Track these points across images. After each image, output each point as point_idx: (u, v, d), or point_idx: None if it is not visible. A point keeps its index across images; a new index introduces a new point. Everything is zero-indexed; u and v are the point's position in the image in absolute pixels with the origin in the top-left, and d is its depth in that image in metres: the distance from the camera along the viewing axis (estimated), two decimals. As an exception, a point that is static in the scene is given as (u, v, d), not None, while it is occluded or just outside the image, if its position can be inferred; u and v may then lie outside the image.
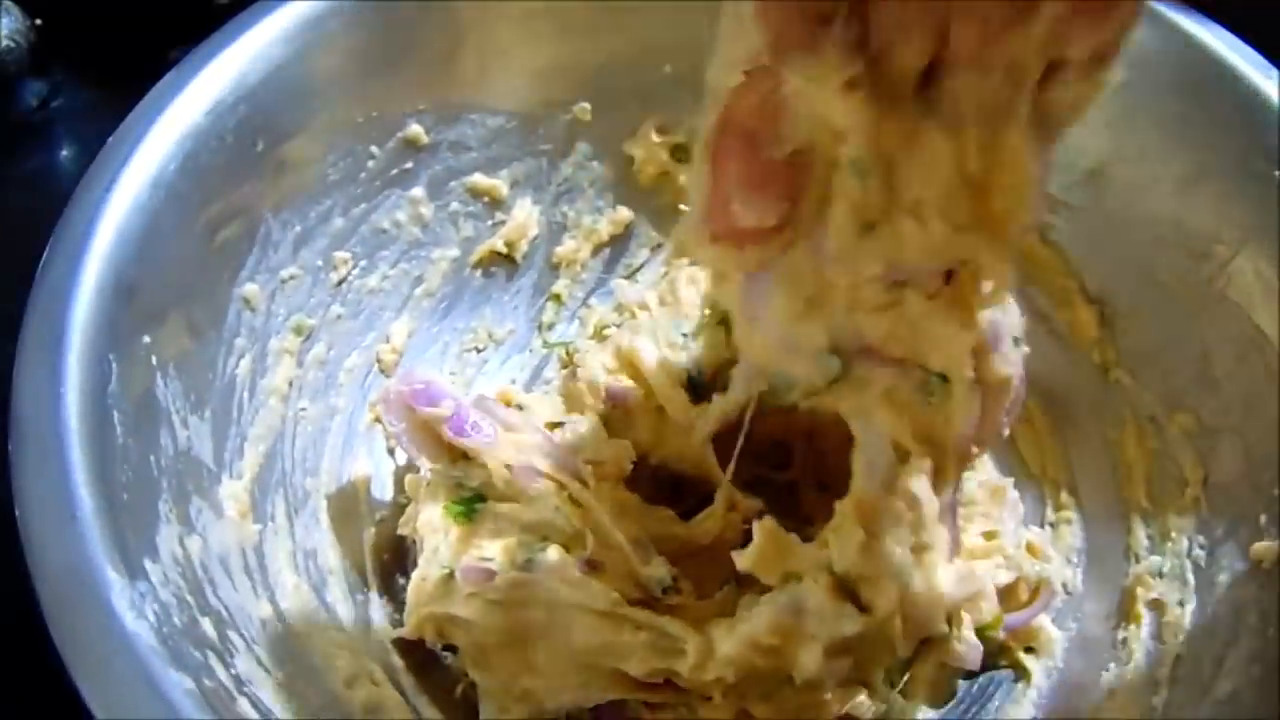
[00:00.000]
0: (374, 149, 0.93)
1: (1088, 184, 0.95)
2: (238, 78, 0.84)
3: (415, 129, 0.95)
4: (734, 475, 0.87)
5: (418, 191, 0.97)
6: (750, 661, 0.76)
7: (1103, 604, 0.90)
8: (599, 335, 1.00)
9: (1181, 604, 0.84)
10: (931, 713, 0.88)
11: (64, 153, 1.22)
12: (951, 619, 0.80)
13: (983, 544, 0.87)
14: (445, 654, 0.84)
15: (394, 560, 0.90)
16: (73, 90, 1.25)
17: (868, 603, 0.75)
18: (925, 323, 0.67)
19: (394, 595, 0.88)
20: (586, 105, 1.03)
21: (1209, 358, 0.87)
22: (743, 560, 0.78)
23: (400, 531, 0.87)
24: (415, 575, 0.82)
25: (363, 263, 0.94)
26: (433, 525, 0.83)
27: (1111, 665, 0.85)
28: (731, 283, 0.70)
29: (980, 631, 0.83)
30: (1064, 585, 0.92)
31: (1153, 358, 0.92)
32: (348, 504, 0.90)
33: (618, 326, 0.97)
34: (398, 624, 0.85)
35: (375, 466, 0.93)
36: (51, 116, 1.23)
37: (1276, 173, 0.83)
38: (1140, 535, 0.90)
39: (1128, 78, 0.90)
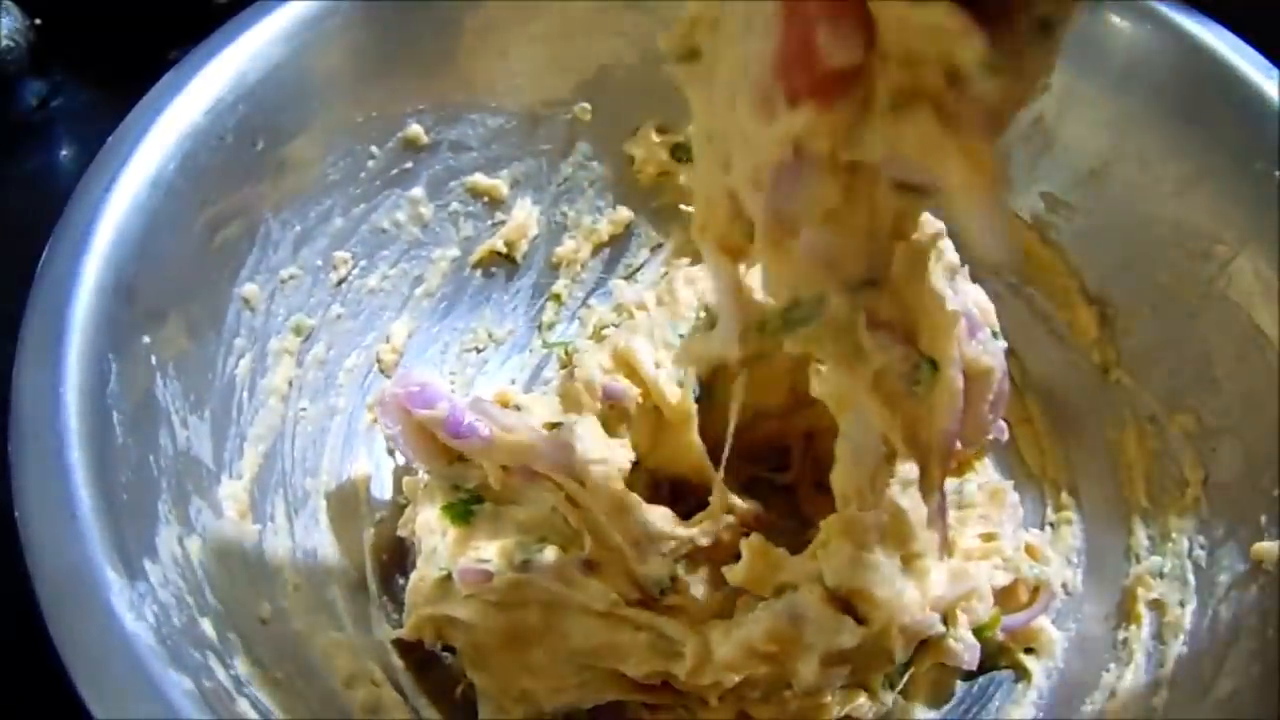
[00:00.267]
0: (374, 149, 0.93)
1: (1088, 184, 0.95)
2: (237, 77, 0.83)
3: (415, 129, 0.95)
4: (733, 477, 0.87)
5: (418, 191, 0.97)
6: (747, 666, 0.76)
7: (1103, 604, 0.90)
8: (599, 335, 1.00)
9: (1182, 604, 0.84)
10: (932, 713, 0.88)
11: (64, 152, 1.22)
12: (948, 618, 0.80)
13: (980, 545, 0.87)
14: (445, 654, 0.84)
15: (393, 560, 0.90)
16: (72, 90, 1.25)
17: (863, 615, 0.76)
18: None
19: (394, 595, 0.88)
20: (587, 105, 1.03)
21: (1209, 358, 0.87)
22: (733, 576, 0.78)
23: (399, 533, 0.87)
24: (414, 577, 0.82)
25: (363, 263, 0.94)
26: (430, 527, 0.83)
27: (1112, 666, 0.85)
28: (755, 195, 0.61)
29: (979, 632, 0.83)
30: (1064, 586, 0.92)
31: (1153, 358, 0.92)
32: (347, 504, 0.90)
33: (616, 327, 0.97)
34: (397, 624, 0.85)
35: (375, 466, 0.93)
36: (51, 116, 1.23)
37: (1277, 173, 0.83)
38: (1141, 536, 0.90)
39: (1128, 78, 0.91)
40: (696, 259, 1.03)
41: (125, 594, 0.62)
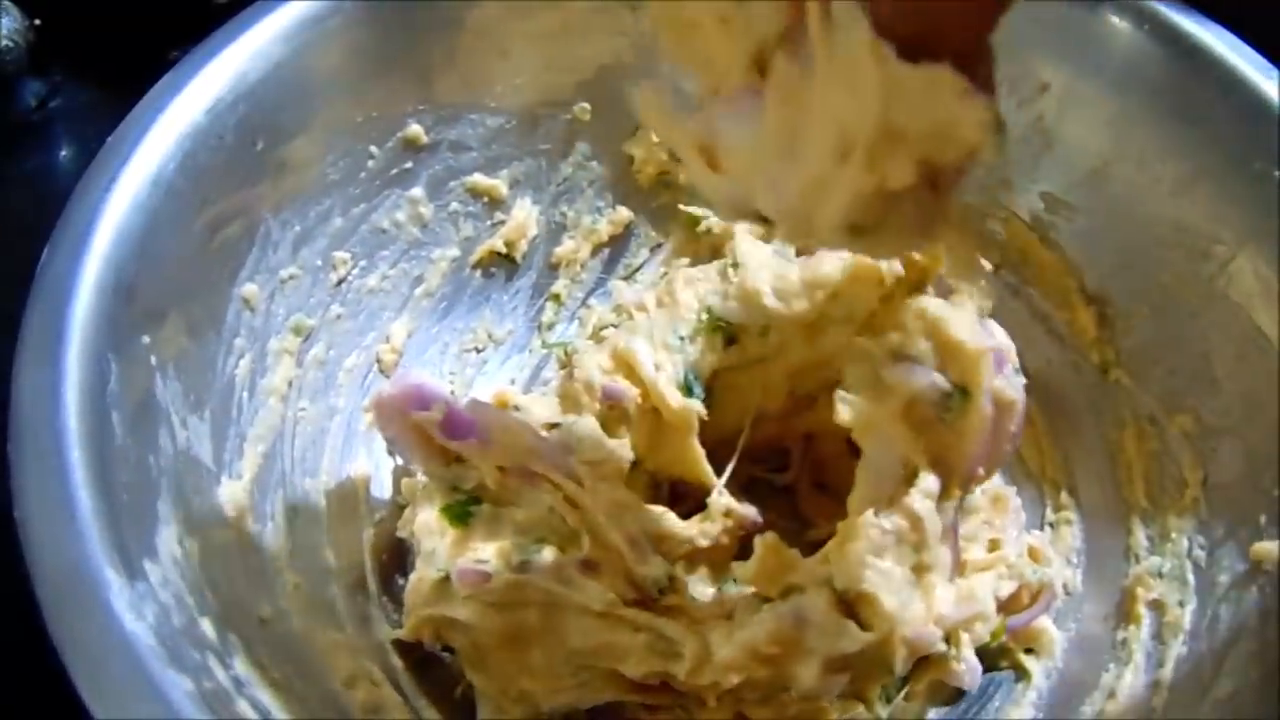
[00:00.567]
0: (373, 149, 0.93)
1: (1088, 184, 0.95)
2: (237, 77, 0.83)
3: (415, 129, 0.95)
4: (732, 478, 0.88)
5: (417, 191, 0.97)
6: (747, 668, 0.76)
7: (1103, 604, 0.90)
8: (598, 336, 1.00)
9: (1181, 604, 0.84)
10: (932, 712, 0.88)
11: (63, 152, 1.22)
12: (951, 639, 0.81)
13: (985, 556, 0.87)
14: (444, 654, 0.84)
15: (393, 560, 0.90)
16: (72, 90, 1.25)
17: (867, 620, 0.76)
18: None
19: (393, 595, 0.87)
20: (586, 105, 1.03)
21: (1209, 358, 0.87)
22: (743, 572, 0.78)
23: (399, 534, 0.87)
24: (412, 578, 0.82)
25: (362, 263, 0.94)
26: (429, 528, 0.82)
27: (1111, 666, 0.85)
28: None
29: (983, 646, 0.84)
30: (1064, 586, 0.92)
31: (1153, 358, 0.92)
32: (347, 504, 0.90)
33: (616, 327, 0.97)
34: (397, 624, 0.85)
35: (374, 466, 0.93)
36: (50, 116, 1.23)
37: (1276, 173, 0.83)
38: (1140, 536, 0.90)
39: (1128, 78, 0.91)
40: (696, 259, 1.03)
41: (125, 594, 0.62)
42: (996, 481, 0.94)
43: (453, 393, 0.99)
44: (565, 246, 1.06)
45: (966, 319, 0.79)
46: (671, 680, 0.79)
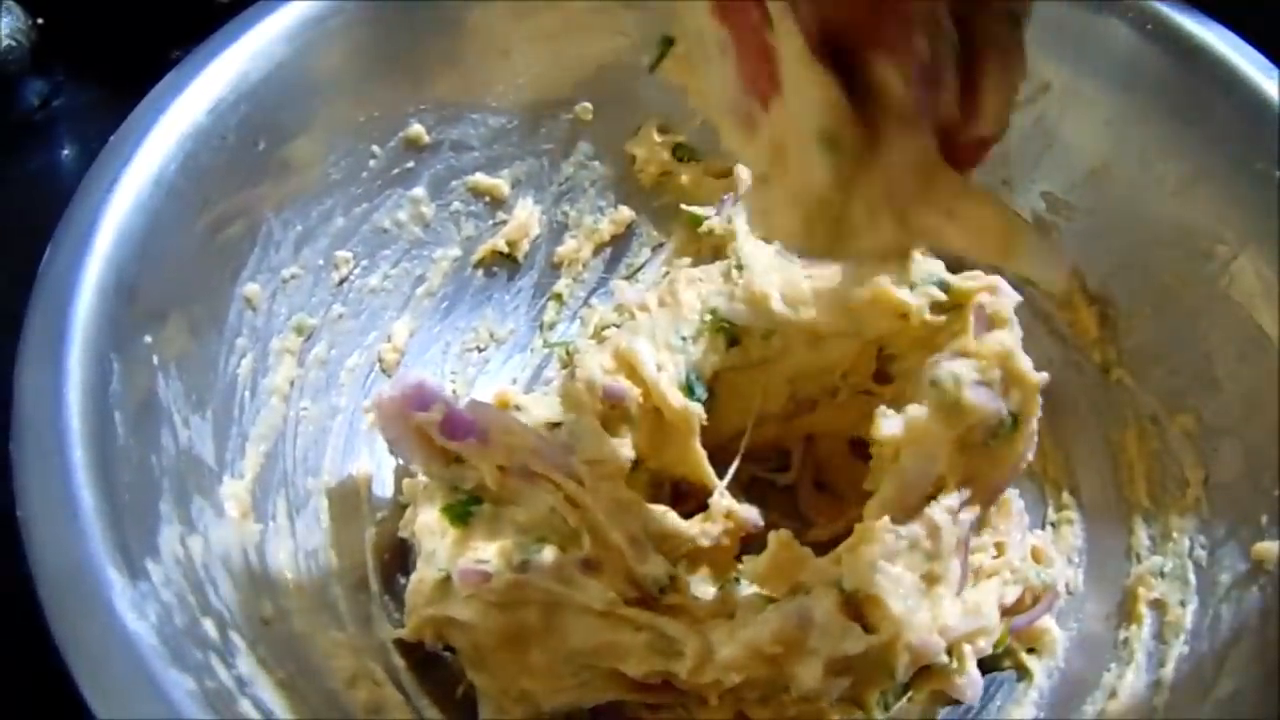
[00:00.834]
0: (375, 148, 0.93)
1: (1089, 184, 0.95)
2: (239, 77, 0.83)
3: (417, 128, 0.95)
4: (733, 477, 0.88)
5: (419, 191, 0.97)
6: (749, 667, 0.76)
7: (1104, 604, 0.90)
8: (600, 335, 1.00)
9: (1183, 604, 0.84)
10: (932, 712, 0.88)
11: (65, 152, 1.22)
12: (953, 651, 0.81)
13: (991, 563, 0.87)
14: (446, 653, 0.84)
15: (395, 560, 0.90)
16: (74, 89, 1.25)
17: (872, 624, 0.76)
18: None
19: (395, 595, 0.87)
20: (588, 105, 1.03)
21: (1210, 358, 0.87)
22: (753, 567, 0.79)
23: (400, 534, 0.87)
24: (414, 578, 0.82)
25: (364, 262, 0.95)
26: (430, 528, 0.82)
27: (1113, 665, 0.85)
28: None
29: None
30: (1066, 585, 0.92)
31: (1154, 358, 0.92)
32: (349, 503, 0.90)
33: (617, 327, 0.97)
34: (399, 624, 0.85)
35: (376, 466, 0.93)
36: (53, 116, 1.23)
37: (1277, 173, 0.83)
38: (1142, 535, 0.90)
39: (1129, 77, 0.91)
40: (698, 259, 1.03)
41: (127, 594, 0.62)
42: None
43: (454, 392, 1.00)
44: (567, 246, 1.06)
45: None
46: (673, 679, 0.79)
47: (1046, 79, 0.93)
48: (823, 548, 0.80)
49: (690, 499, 0.90)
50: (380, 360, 0.96)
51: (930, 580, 0.79)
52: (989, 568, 0.87)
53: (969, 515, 0.81)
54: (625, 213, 1.07)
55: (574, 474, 0.82)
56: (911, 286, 0.87)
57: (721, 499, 0.86)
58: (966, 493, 0.80)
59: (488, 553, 0.80)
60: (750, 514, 0.86)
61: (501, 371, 1.04)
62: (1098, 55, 0.91)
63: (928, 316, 0.87)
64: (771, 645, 0.75)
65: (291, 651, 0.75)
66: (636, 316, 0.93)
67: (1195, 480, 0.87)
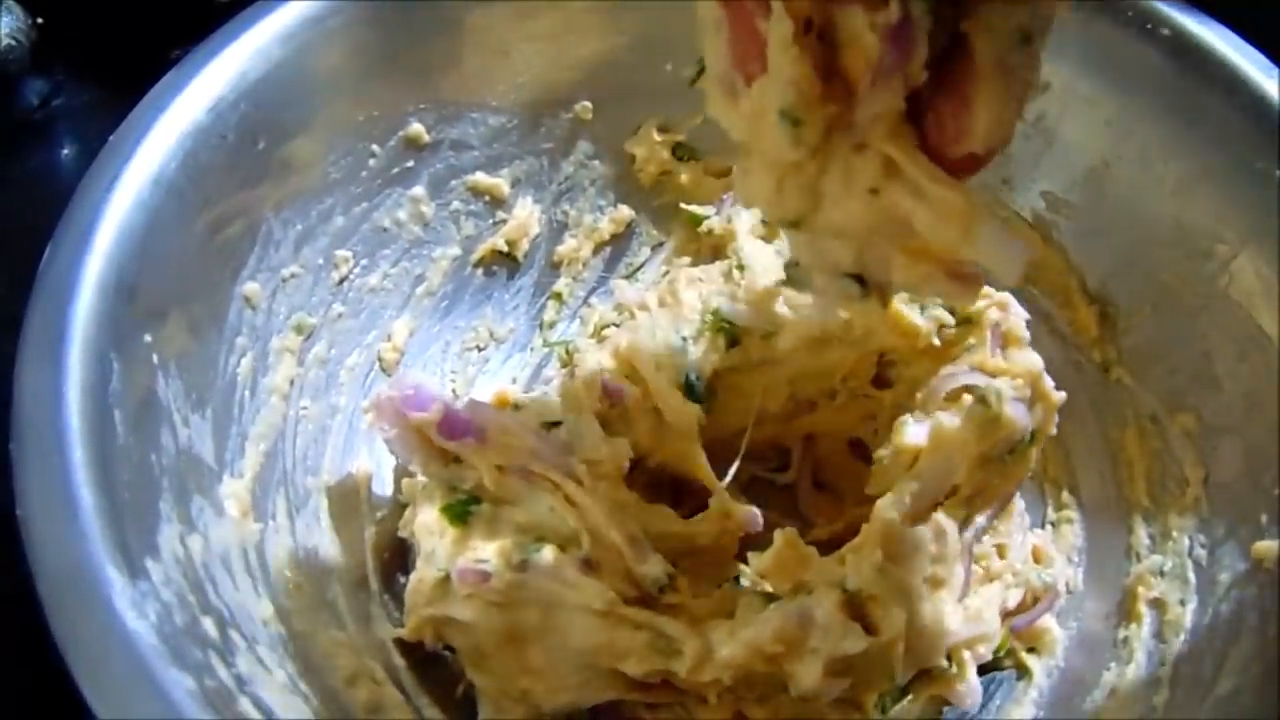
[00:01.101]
0: (375, 147, 0.93)
1: (1089, 183, 0.95)
2: (239, 76, 0.83)
3: (416, 127, 0.95)
4: (733, 476, 0.88)
5: (419, 190, 0.97)
6: (749, 666, 0.76)
7: (1104, 603, 0.90)
8: (599, 334, 1.00)
9: (1183, 603, 0.84)
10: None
11: (65, 151, 1.22)
12: (953, 657, 0.81)
13: (994, 566, 0.88)
14: (446, 652, 0.84)
15: (395, 559, 0.90)
16: (74, 89, 1.25)
17: (874, 624, 0.76)
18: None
19: (395, 594, 0.87)
20: (588, 104, 1.03)
21: (1210, 357, 0.87)
22: (758, 564, 0.79)
23: (400, 534, 0.87)
24: (413, 578, 0.82)
25: (364, 261, 0.94)
26: (429, 528, 0.82)
27: (1113, 664, 0.85)
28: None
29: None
30: (1065, 584, 0.92)
31: (1154, 357, 0.92)
32: (349, 502, 0.90)
33: (617, 326, 0.97)
34: (399, 623, 0.85)
35: (376, 465, 0.93)
36: (53, 115, 1.23)
37: (1278, 172, 0.83)
38: (1141, 534, 0.90)
39: (1129, 77, 0.91)
40: (698, 259, 1.03)
41: (127, 593, 0.62)
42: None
43: (454, 392, 1.00)
44: (567, 245, 1.06)
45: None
46: (672, 679, 0.79)
47: (1046, 79, 0.92)
48: (822, 547, 0.80)
49: (690, 499, 0.90)
50: (380, 359, 0.96)
51: (934, 584, 0.79)
52: (991, 571, 0.87)
53: (980, 520, 0.82)
54: (625, 212, 1.07)
55: (573, 474, 0.82)
56: (922, 309, 0.88)
57: (721, 499, 0.86)
58: (976, 501, 0.81)
59: (487, 552, 0.80)
60: (749, 514, 0.86)
61: (501, 371, 1.04)
62: (1098, 55, 0.91)
63: (935, 341, 0.88)
64: (772, 644, 0.75)
65: (291, 650, 0.75)
66: (636, 316, 0.93)
67: (1195, 479, 0.87)
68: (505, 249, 1.03)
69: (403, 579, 0.87)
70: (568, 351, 1.02)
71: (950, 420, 0.79)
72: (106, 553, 0.63)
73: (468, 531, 0.82)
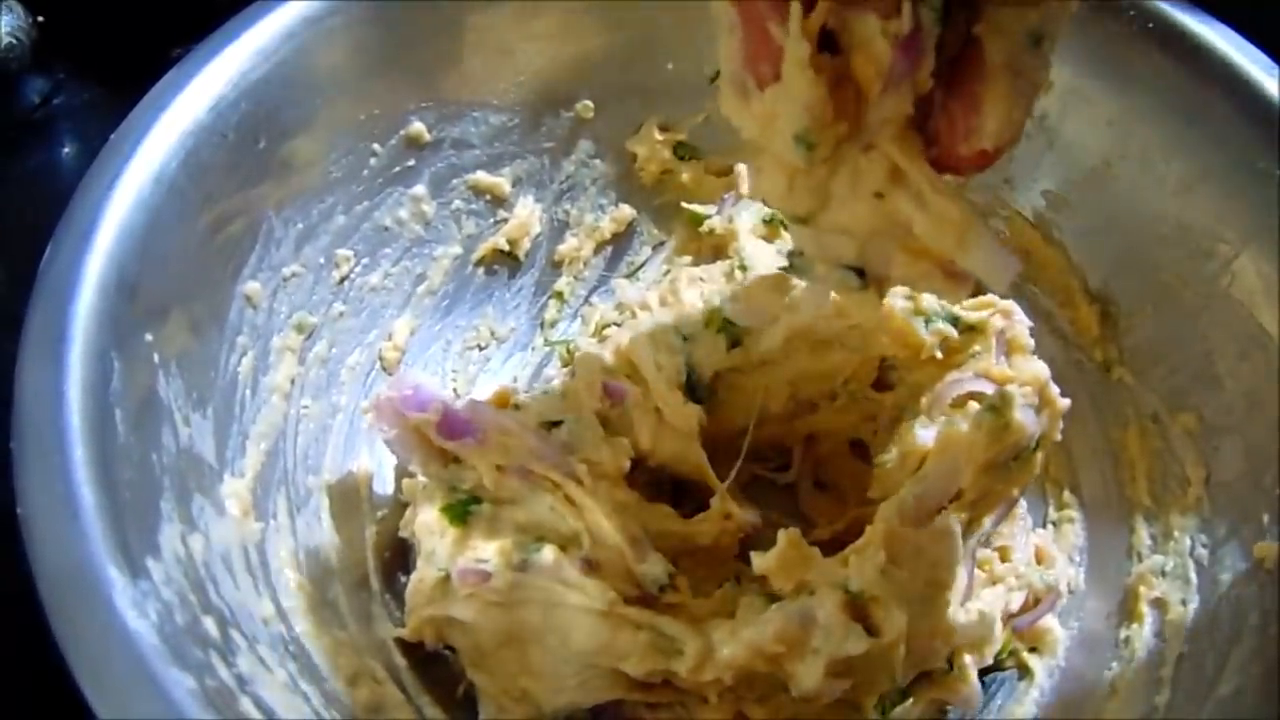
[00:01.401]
0: (376, 146, 0.93)
1: (1090, 182, 0.95)
2: (239, 75, 0.83)
3: (417, 126, 0.95)
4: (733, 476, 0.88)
5: (420, 189, 0.97)
6: (750, 666, 0.76)
7: (1105, 602, 0.90)
8: (601, 334, 1.00)
9: (1184, 603, 0.84)
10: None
11: (66, 150, 1.22)
12: (954, 660, 0.81)
13: (996, 569, 0.88)
14: (447, 652, 0.84)
15: (396, 558, 0.90)
16: (75, 87, 1.25)
17: (876, 626, 0.76)
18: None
19: (396, 593, 0.87)
20: (589, 103, 1.03)
21: (1211, 357, 0.87)
22: (761, 563, 0.79)
23: (401, 534, 0.87)
24: (413, 578, 0.82)
25: (365, 260, 0.94)
26: (429, 528, 0.82)
27: (1114, 664, 0.85)
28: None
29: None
30: (1067, 584, 0.92)
31: (1155, 356, 0.92)
32: (350, 502, 0.90)
33: (618, 326, 0.97)
34: (400, 622, 0.84)
35: (377, 464, 0.93)
36: (53, 114, 1.23)
37: (1278, 171, 0.83)
38: (1143, 534, 0.90)
39: (1130, 76, 0.91)
40: (699, 258, 1.03)
41: (128, 592, 0.62)
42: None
43: (455, 391, 1.00)
44: (568, 244, 1.06)
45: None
46: (673, 678, 0.79)
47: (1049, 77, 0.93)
48: (823, 547, 0.80)
49: (690, 499, 0.90)
50: (381, 358, 0.96)
51: (937, 587, 0.79)
52: (995, 574, 0.87)
53: (985, 524, 0.83)
54: (626, 211, 1.07)
55: (573, 474, 0.82)
56: (927, 322, 0.88)
57: (723, 502, 0.86)
58: (980, 506, 0.81)
59: (487, 552, 0.80)
60: (751, 515, 0.86)
61: (502, 370, 1.04)
62: (1100, 54, 0.91)
63: (938, 354, 0.88)
64: (774, 644, 0.75)
65: (292, 650, 0.75)
66: (637, 315, 0.93)
67: (1196, 479, 0.87)
68: (506, 248, 1.03)
69: (404, 578, 0.87)
70: (569, 351, 1.02)
71: (959, 424, 0.80)
72: (107, 552, 0.63)
73: (468, 531, 0.82)
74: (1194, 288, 0.89)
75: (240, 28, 0.85)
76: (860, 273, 0.70)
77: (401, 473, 0.91)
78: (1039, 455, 0.82)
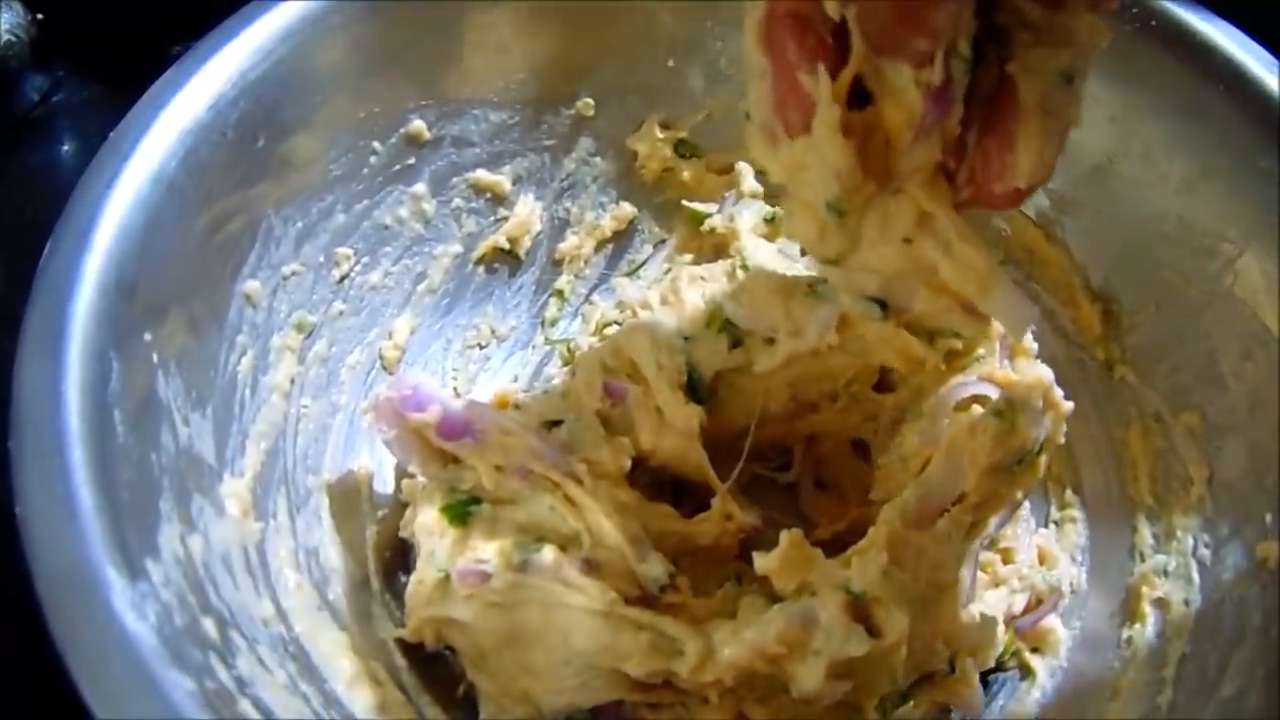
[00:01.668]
0: (376, 145, 0.93)
1: (1092, 181, 0.95)
2: (239, 73, 0.83)
3: (417, 125, 0.95)
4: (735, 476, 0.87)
5: (420, 187, 0.97)
6: (751, 666, 0.76)
7: (1107, 602, 0.90)
8: (601, 332, 1.00)
9: (1186, 603, 0.84)
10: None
11: (65, 148, 1.22)
12: (956, 662, 0.81)
13: (999, 570, 0.88)
14: (447, 652, 0.84)
15: (396, 558, 0.90)
16: (74, 85, 1.24)
17: (877, 627, 0.76)
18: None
19: (396, 593, 0.87)
20: (589, 100, 1.02)
21: (1214, 356, 0.87)
22: (763, 564, 0.78)
23: (401, 534, 0.87)
24: (413, 578, 0.82)
25: (365, 259, 0.94)
26: (429, 528, 0.82)
27: (1116, 664, 0.85)
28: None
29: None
30: (1069, 584, 0.92)
31: (1158, 355, 0.92)
32: (350, 501, 0.90)
33: (619, 324, 0.97)
34: (400, 622, 0.84)
35: (377, 463, 0.93)
36: (53, 111, 1.23)
37: (1281, 170, 0.83)
38: (1145, 534, 0.90)
39: (1133, 74, 0.91)
40: (700, 256, 1.03)
41: (127, 593, 0.62)
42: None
43: (455, 390, 0.99)
44: (568, 242, 1.06)
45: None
46: (673, 679, 0.79)
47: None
48: (824, 546, 0.80)
49: (691, 498, 0.90)
50: (381, 357, 0.96)
51: (939, 588, 0.79)
52: (998, 576, 0.87)
53: (989, 526, 0.82)
54: (627, 209, 1.07)
55: (573, 474, 0.82)
56: (931, 339, 0.87)
57: (724, 502, 0.86)
58: (983, 508, 0.81)
59: (487, 553, 0.79)
60: (751, 516, 0.86)
61: (503, 369, 1.04)
62: (1102, 52, 0.90)
63: (942, 366, 0.88)
64: (775, 645, 0.75)
65: (292, 651, 0.75)
66: (638, 314, 0.92)
67: (1199, 478, 0.87)
68: (507, 246, 1.03)
69: (404, 578, 0.87)
70: (569, 349, 1.02)
71: (962, 428, 0.80)
72: (106, 553, 0.62)
73: (468, 532, 0.82)
74: (1197, 286, 0.89)
75: (240, 26, 0.85)
76: (883, 304, 0.75)
77: (401, 473, 0.91)
78: (1043, 459, 0.82)
